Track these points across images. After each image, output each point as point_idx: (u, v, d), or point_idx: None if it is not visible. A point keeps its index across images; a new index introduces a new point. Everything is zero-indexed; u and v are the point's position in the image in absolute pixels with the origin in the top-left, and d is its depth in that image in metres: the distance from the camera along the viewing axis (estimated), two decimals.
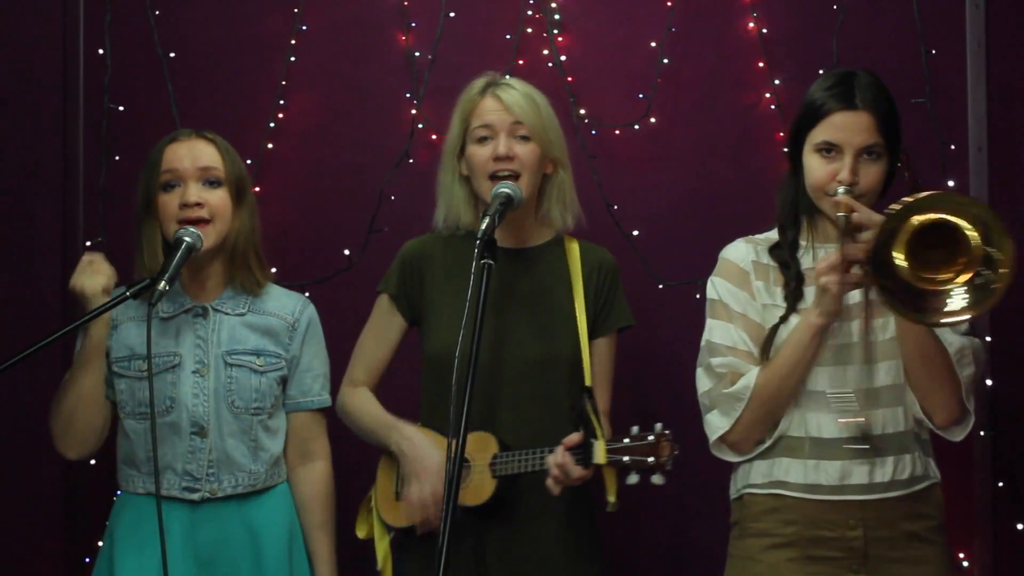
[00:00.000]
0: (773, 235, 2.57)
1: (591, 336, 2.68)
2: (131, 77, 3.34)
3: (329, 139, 3.33)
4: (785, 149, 3.11)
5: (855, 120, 2.41)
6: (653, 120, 3.25)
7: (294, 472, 2.73)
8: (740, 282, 2.51)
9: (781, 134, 3.18)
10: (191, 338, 2.64)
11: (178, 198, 2.60)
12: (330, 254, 3.29)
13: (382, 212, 3.27)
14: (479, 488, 2.57)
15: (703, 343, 2.52)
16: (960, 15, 3.15)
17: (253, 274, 2.69)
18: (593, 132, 3.26)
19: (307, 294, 2.97)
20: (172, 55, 3.33)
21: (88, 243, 3.07)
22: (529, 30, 3.27)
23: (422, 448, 2.58)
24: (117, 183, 3.25)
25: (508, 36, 3.27)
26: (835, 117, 2.41)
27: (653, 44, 3.25)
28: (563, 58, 3.26)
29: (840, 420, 2.40)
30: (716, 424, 2.48)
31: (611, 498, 2.45)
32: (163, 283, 2.42)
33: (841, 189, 2.40)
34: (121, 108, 3.32)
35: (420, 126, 3.28)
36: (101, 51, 3.33)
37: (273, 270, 3.08)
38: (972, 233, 2.22)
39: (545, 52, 3.27)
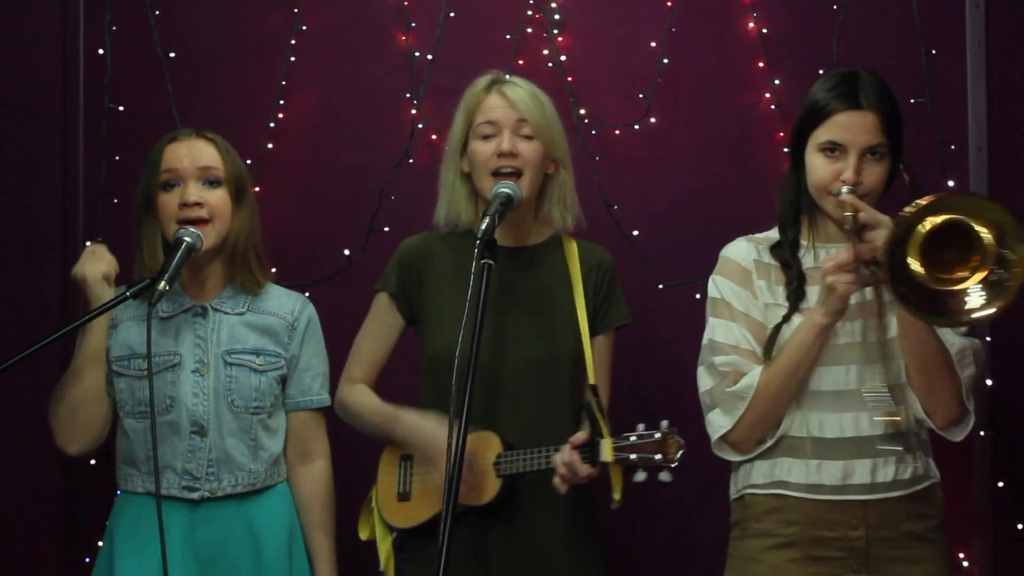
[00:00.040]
0: (773, 234, 2.57)
1: (590, 334, 2.69)
2: (131, 77, 3.34)
3: (329, 139, 3.33)
4: (785, 149, 3.13)
5: (860, 120, 2.41)
6: (653, 120, 3.25)
7: (294, 472, 2.73)
8: (742, 281, 2.51)
9: (781, 134, 3.18)
10: (191, 337, 2.64)
11: (178, 198, 2.60)
12: (330, 254, 3.28)
13: (382, 212, 3.27)
14: (484, 488, 2.57)
15: (705, 342, 2.52)
16: (960, 15, 3.15)
17: (253, 274, 2.69)
18: (593, 132, 3.26)
19: (307, 294, 2.97)
20: (172, 55, 3.33)
21: (88, 243, 3.06)
22: (529, 30, 3.27)
23: (430, 431, 2.56)
24: (117, 183, 3.25)
25: (508, 36, 3.27)
26: (839, 117, 2.41)
27: (653, 44, 3.25)
28: (563, 58, 3.26)
29: (877, 418, 2.36)
30: (718, 423, 2.48)
31: (616, 495, 2.46)
32: (163, 283, 2.43)
33: (845, 189, 2.40)
34: (121, 108, 3.32)
35: (420, 126, 3.28)
36: (101, 51, 3.33)
37: (273, 270, 3.08)
38: (985, 232, 2.23)
39: (545, 52, 3.27)
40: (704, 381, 2.51)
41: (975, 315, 2.26)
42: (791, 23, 3.23)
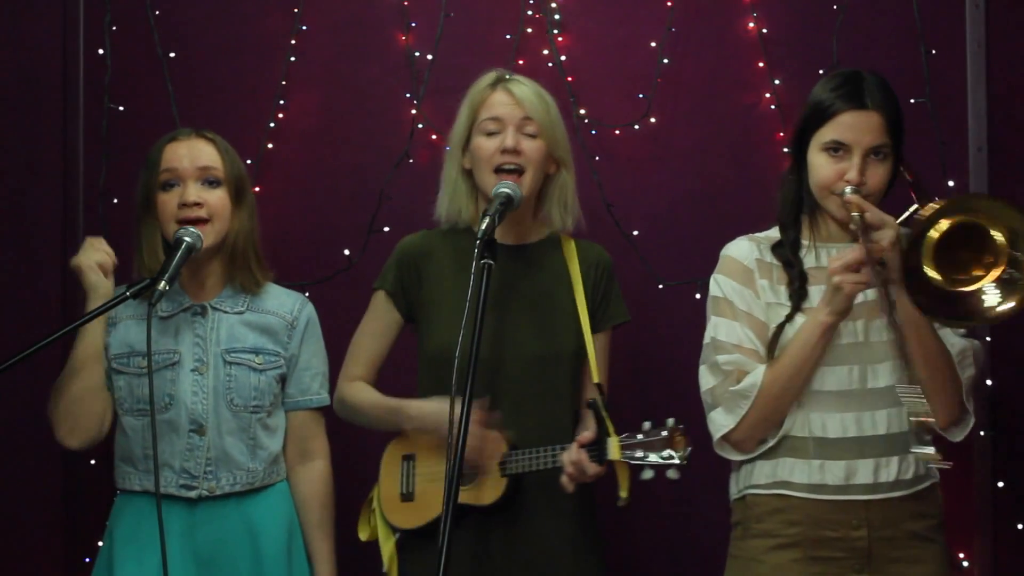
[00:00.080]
0: (774, 234, 2.57)
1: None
2: (131, 77, 3.34)
3: (329, 139, 3.33)
4: (785, 149, 3.13)
5: (865, 120, 2.41)
6: (653, 120, 3.25)
7: (293, 471, 2.74)
8: (744, 280, 2.51)
9: (781, 134, 3.18)
10: (190, 336, 2.64)
11: (177, 198, 2.60)
12: (330, 254, 3.29)
13: (382, 212, 3.27)
14: (490, 487, 2.57)
15: (707, 340, 2.52)
16: (960, 15, 3.15)
17: (252, 274, 2.69)
18: (593, 132, 3.26)
19: (307, 294, 2.97)
20: (172, 55, 3.33)
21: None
22: (529, 30, 3.27)
23: (437, 415, 2.53)
24: (117, 183, 3.26)
25: (508, 36, 3.27)
26: (844, 117, 2.41)
27: (653, 44, 3.25)
28: (563, 58, 3.26)
29: (912, 419, 2.33)
30: (720, 422, 2.48)
31: (623, 493, 2.47)
32: (163, 283, 2.43)
33: (848, 189, 2.40)
34: (121, 108, 3.32)
35: (420, 126, 3.28)
36: (101, 51, 3.33)
37: (273, 270, 3.08)
38: (997, 232, 2.25)
39: (545, 52, 3.27)
40: (706, 380, 2.51)
41: (997, 311, 2.28)
42: (791, 23, 3.23)
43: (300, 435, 2.74)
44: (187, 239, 2.53)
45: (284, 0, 3.32)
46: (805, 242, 2.54)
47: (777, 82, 3.20)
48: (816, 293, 2.48)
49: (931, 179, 2.98)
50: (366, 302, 2.80)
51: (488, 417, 2.54)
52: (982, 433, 3.07)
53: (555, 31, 3.26)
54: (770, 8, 3.22)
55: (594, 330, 2.69)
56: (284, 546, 2.67)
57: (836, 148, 2.43)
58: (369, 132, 3.32)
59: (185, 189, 2.61)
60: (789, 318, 2.46)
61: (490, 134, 2.63)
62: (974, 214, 2.27)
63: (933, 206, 2.26)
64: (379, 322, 2.75)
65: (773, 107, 3.20)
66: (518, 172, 2.60)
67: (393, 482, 2.69)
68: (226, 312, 2.67)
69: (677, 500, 3.08)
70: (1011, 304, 2.26)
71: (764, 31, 3.21)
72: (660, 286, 3.22)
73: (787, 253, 2.52)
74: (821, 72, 3.08)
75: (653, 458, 2.42)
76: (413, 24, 3.30)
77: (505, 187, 2.53)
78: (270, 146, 3.31)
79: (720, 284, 2.53)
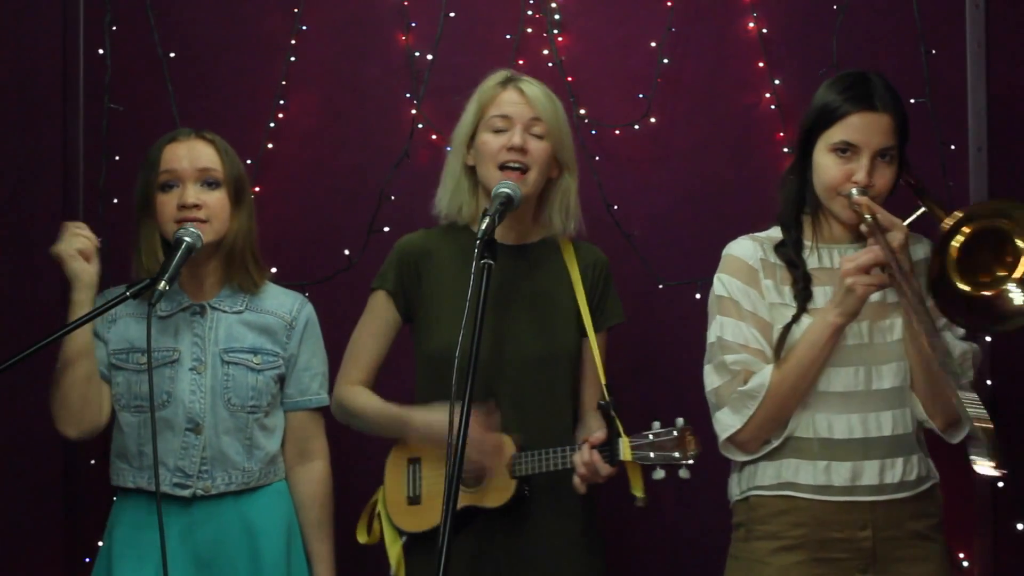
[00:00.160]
0: (775, 233, 2.57)
1: (584, 334, 2.69)
2: (131, 77, 3.34)
3: (329, 139, 3.33)
4: (786, 149, 3.13)
5: (876, 121, 2.41)
6: (653, 120, 3.25)
7: (292, 472, 2.74)
8: (749, 280, 2.51)
9: (781, 134, 3.19)
10: (189, 336, 2.64)
11: (176, 199, 2.60)
12: (330, 254, 3.29)
13: (382, 212, 3.27)
14: (499, 489, 2.57)
15: (712, 340, 2.52)
16: (960, 15, 3.15)
17: (250, 275, 2.69)
18: (593, 132, 3.26)
19: (307, 294, 2.97)
20: (172, 55, 3.33)
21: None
22: (529, 30, 3.27)
23: (444, 425, 2.52)
24: (117, 183, 3.25)
25: (508, 36, 3.27)
26: (853, 118, 2.42)
27: (653, 44, 3.25)
28: (563, 58, 3.26)
29: (976, 423, 2.29)
30: (727, 422, 2.47)
31: (639, 493, 2.49)
32: (163, 283, 2.43)
33: (855, 190, 2.40)
34: (121, 108, 3.32)
35: (420, 126, 3.28)
36: (101, 51, 3.33)
37: (273, 270, 3.08)
38: (1019, 239, 2.30)
39: (545, 52, 3.27)
40: (712, 380, 2.51)
41: None
42: (791, 23, 3.23)
43: (299, 435, 2.74)
44: (187, 239, 2.53)
45: (284, 0, 3.32)
46: (807, 243, 2.54)
47: (777, 82, 3.20)
48: (819, 294, 2.48)
49: (931, 179, 2.98)
50: (366, 302, 2.79)
51: (492, 420, 2.55)
52: None
53: (555, 31, 3.26)
54: (770, 8, 3.22)
55: (594, 330, 2.70)
56: (283, 546, 2.67)
57: (844, 149, 2.43)
58: (369, 132, 3.32)
59: (184, 190, 2.60)
60: (795, 319, 2.46)
61: (497, 131, 2.63)
62: (994, 219, 2.29)
63: (957, 214, 2.30)
64: (378, 322, 2.74)
65: (773, 107, 3.20)
66: (522, 170, 2.60)
67: (399, 485, 2.69)
68: (225, 312, 2.67)
69: (677, 500, 3.08)
70: None
71: (764, 31, 3.21)
72: (660, 286, 3.22)
73: (790, 253, 2.52)
74: (821, 72, 3.08)
75: (664, 458, 2.43)
76: (413, 24, 3.31)
77: (505, 187, 2.53)
78: (270, 146, 3.31)
79: (725, 284, 2.53)
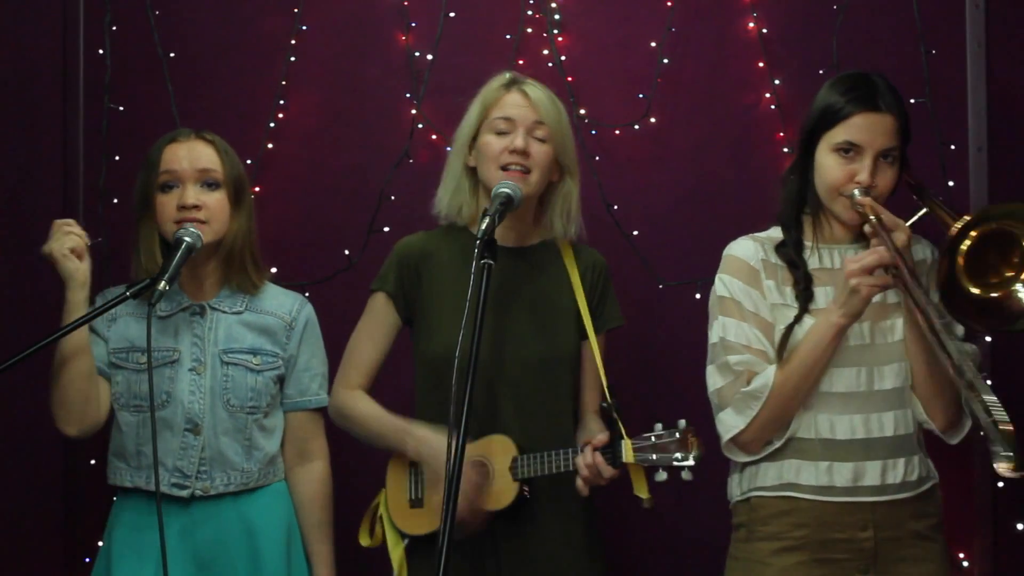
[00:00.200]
0: (775, 233, 2.57)
1: (583, 336, 2.69)
2: (131, 77, 3.34)
3: (329, 139, 3.33)
4: (786, 149, 3.13)
5: (880, 122, 2.41)
6: (653, 120, 3.25)
7: (292, 472, 2.73)
8: (751, 280, 2.51)
9: (781, 134, 3.18)
10: (188, 336, 2.64)
11: (176, 199, 2.60)
12: (330, 254, 3.28)
13: (382, 212, 3.27)
14: (501, 492, 2.57)
15: (715, 340, 2.51)
16: (960, 15, 3.15)
17: (249, 276, 2.69)
18: (593, 132, 3.26)
19: (307, 294, 2.97)
20: (172, 55, 3.33)
21: (89, 243, 3.07)
22: (529, 30, 3.27)
23: (442, 453, 2.52)
24: (117, 183, 3.25)
25: (508, 36, 3.27)
26: (857, 118, 2.42)
27: (653, 44, 3.25)
28: (563, 58, 3.26)
29: (1001, 427, 2.26)
30: (730, 423, 2.47)
31: (644, 494, 2.49)
32: (163, 283, 2.43)
33: (858, 191, 2.40)
34: (121, 108, 3.32)
35: (420, 126, 3.28)
36: (101, 51, 3.33)
37: (273, 270, 3.09)
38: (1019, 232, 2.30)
39: (545, 52, 3.27)
40: (715, 380, 2.50)
41: None
42: (791, 23, 3.23)
43: (299, 436, 2.74)
44: (187, 239, 2.53)
45: (284, 0, 3.32)
46: (808, 243, 2.54)
47: (777, 82, 3.20)
48: (820, 294, 2.48)
49: (931, 179, 2.98)
50: (365, 302, 2.79)
51: (481, 482, 2.55)
52: (982, 434, 3.05)
53: (555, 31, 3.26)
54: (770, 8, 3.22)
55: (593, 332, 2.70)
56: (283, 547, 2.66)
57: (847, 149, 2.43)
58: (369, 132, 3.32)
59: (184, 191, 2.60)
60: (797, 319, 2.46)
61: (500, 133, 2.63)
62: (1000, 221, 2.29)
63: (967, 217, 2.30)
64: (378, 325, 2.73)
65: (773, 107, 3.20)
66: (524, 171, 2.60)
67: (401, 488, 2.69)
68: (224, 312, 2.67)
69: (677, 501, 3.08)
70: None
71: (764, 31, 3.21)
72: (660, 286, 3.22)
73: (791, 254, 2.52)
74: (821, 72, 3.08)
75: (666, 460, 2.43)
76: (413, 24, 3.30)
77: (506, 187, 2.53)
78: (270, 146, 3.30)
79: (727, 284, 2.52)
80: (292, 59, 3.31)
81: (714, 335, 2.52)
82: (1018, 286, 2.32)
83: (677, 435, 2.45)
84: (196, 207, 2.59)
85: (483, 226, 2.37)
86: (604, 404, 2.55)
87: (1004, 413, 2.17)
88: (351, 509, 2.81)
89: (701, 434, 2.49)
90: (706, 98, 3.25)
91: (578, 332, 2.69)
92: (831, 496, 2.44)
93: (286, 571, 2.66)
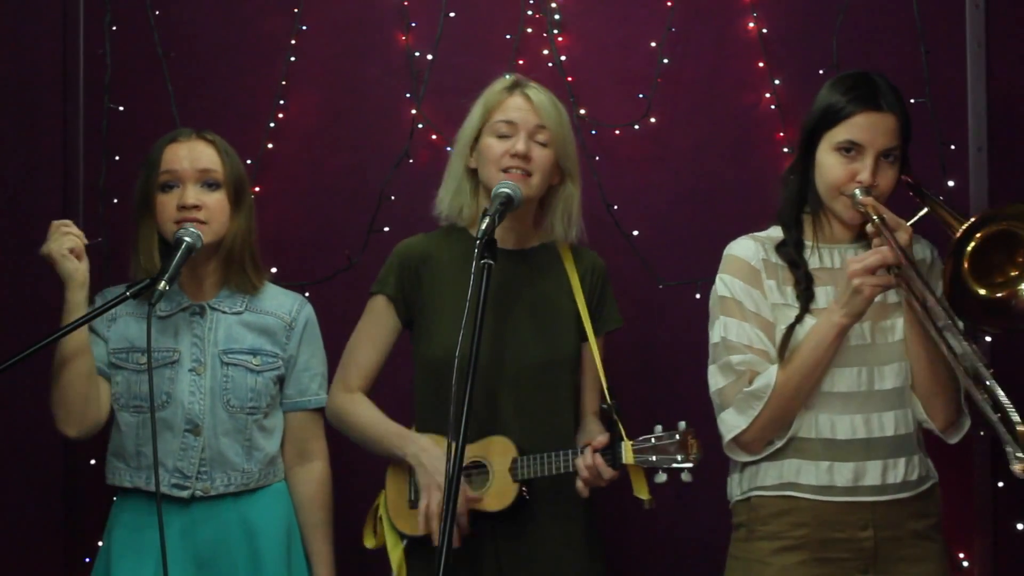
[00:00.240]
0: (775, 233, 2.57)
1: (583, 338, 2.69)
2: (131, 77, 3.34)
3: (329, 139, 3.33)
4: (786, 149, 3.13)
5: (881, 121, 2.42)
6: (653, 120, 3.25)
7: (292, 472, 2.74)
8: (752, 280, 2.51)
9: (781, 134, 3.18)
10: (188, 336, 2.64)
11: (176, 199, 2.60)
12: (330, 254, 3.28)
13: (382, 212, 3.27)
14: (501, 493, 2.57)
15: (716, 340, 2.51)
16: (960, 15, 3.15)
17: (248, 276, 2.69)
18: (593, 132, 3.26)
19: (307, 294, 2.97)
20: (172, 55, 3.33)
21: (88, 243, 3.07)
22: (529, 30, 3.27)
23: (438, 461, 2.52)
24: (117, 183, 3.25)
25: (508, 36, 3.27)
26: (859, 118, 2.42)
27: (653, 44, 3.25)
28: (563, 58, 3.26)
29: (1018, 427, 2.26)
30: (732, 422, 2.47)
31: (644, 495, 2.50)
32: (163, 283, 2.43)
33: (859, 191, 2.40)
34: (121, 108, 3.32)
35: (420, 126, 3.28)
36: (101, 51, 3.33)
37: (273, 270, 3.09)
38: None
39: (545, 52, 3.27)
40: (716, 380, 2.50)
41: None
42: (791, 23, 3.23)
43: (299, 436, 2.74)
44: (187, 239, 2.53)
45: (284, 0, 3.32)
46: (808, 243, 2.54)
47: (777, 82, 3.20)
48: (821, 294, 2.48)
49: (931, 179, 2.98)
50: (365, 302, 2.79)
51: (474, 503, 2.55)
52: (981, 433, 3.07)
53: (555, 31, 3.26)
54: (770, 8, 3.22)
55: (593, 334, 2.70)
56: (283, 547, 2.67)
57: (849, 148, 2.43)
58: (369, 132, 3.32)
59: (184, 191, 2.60)
60: (798, 319, 2.46)
61: (502, 136, 2.63)
62: (1006, 222, 2.29)
63: (973, 219, 2.30)
64: (378, 328, 2.73)
65: (773, 107, 3.20)
66: (525, 175, 2.60)
67: (401, 489, 2.69)
68: (224, 312, 2.67)
69: (677, 501, 3.08)
70: None
71: (764, 31, 3.21)
72: (660, 286, 3.22)
73: (792, 253, 2.52)
74: (821, 72, 3.08)
75: (666, 462, 2.43)
76: (413, 24, 3.30)
77: (506, 187, 2.53)
78: (270, 146, 3.30)
79: (727, 284, 2.52)
80: (292, 59, 3.31)
81: (715, 335, 2.52)
82: (1022, 286, 2.32)
83: (677, 437, 2.45)
84: (196, 207, 2.59)
85: (483, 226, 2.38)
86: (604, 406, 2.55)
87: (1016, 412, 2.18)
88: (351, 509, 2.81)
89: (701, 434, 2.49)
90: (706, 98, 3.25)
91: (578, 334, 2.69)
92: (831, 496, 2.44)
93: (286, 571, 2.66)
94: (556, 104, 2.67)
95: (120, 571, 2.59)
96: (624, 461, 2.47)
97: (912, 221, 2.44)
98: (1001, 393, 2.20)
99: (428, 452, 2.58)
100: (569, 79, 3.25)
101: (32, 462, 3.22)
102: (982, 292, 2.32)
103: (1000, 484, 3.09)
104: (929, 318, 2.32)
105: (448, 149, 2.78)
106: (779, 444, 2.47)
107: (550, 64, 3.25)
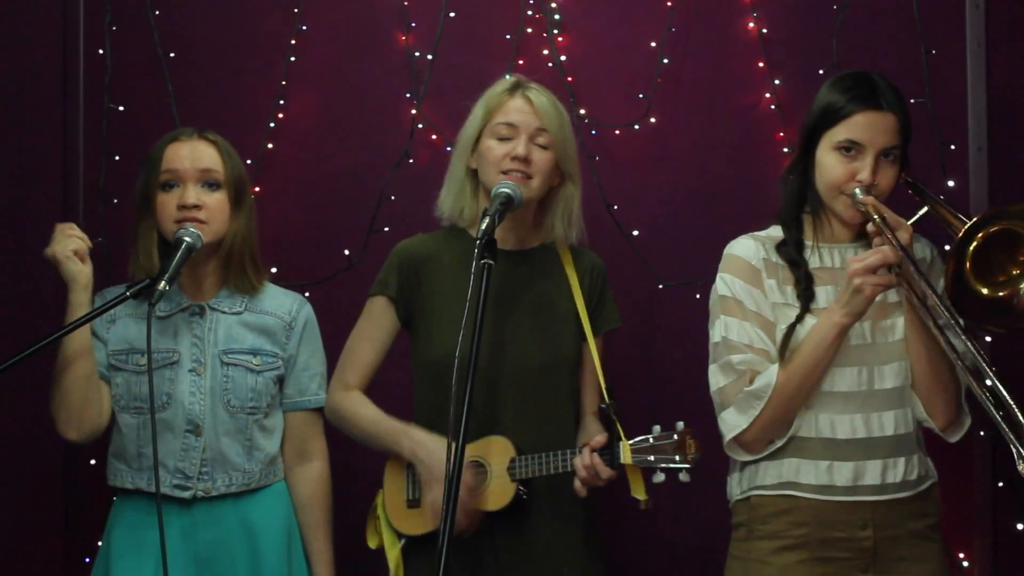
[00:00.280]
0: (775, 232, 2.57)
1: (583, 338, 2.69)
2: (131, 77, 3.34)
3: (329, 139, 3.33)
4: (786, 149, 3.13)
5: (882, 120, 2.42)
6: (653, 120, 3.25)
7: (291, 472, 2.74)
8: (752, 279, 2.51)
9: (781, 134, 3.18)
10: (188, 337, 2.64)
11: (176, 199, 2.60)
12: (330, 254, 3.28)
13: (382, 212, 3.27)
14: (499, 492, 2.57)
15: (717, 339, 2.51)
16: (960, 15, 3.15)
17: (248, 277, 2.69)
18: (593, 132, 3.26)
19: (307, 294, 2.97)
20: (172, 55, 3.33)
21: (90, 246, 3.08)
22: (529, 30, 3.27)
23: (438, 454, 2.53)
24: (117, 183, 3.25)
25: (508, 36, 3.27)
26: (859, 117, 2.42)
27: (653, 44, 3.25)
28: (563, 58, 3.26)
29: None
30: (733, 422, 2.47)
31: (641, 496, 2.49)
32: (163, 283, 2.43)
33: (859, 190, 2.40)
34: (121, 108, 3.32)
35: (420, 126, 3.28)
36: (101, 51, 3.33)
37: (273, 270, 3.09)
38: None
39: (545, 52, 3.27)
40: (717, 380, 2.51)
41: None
42: (791, 23, 3.23)
43: (298, 436, 2.74)
44: (187, 239, 2.53)
45: (284, 0, 3.32)
46: (808, 242, 2.54)
47: (777, 82, 3.20)
48: (821, 293, 2.48)
49: (931, 179, 2.98)
50: (365, 303, 2.79)
51: (474, 484, 2.55)
52: (981, 433, 3.07)
53: (555, 31, 3.26)
54: (770, 8, 3.22)
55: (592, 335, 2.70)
56: (283, 547, 2.67)
57: (849, 148, 2.43)
58: (369, 132, 3.31)
59: (185, 191, 2.60)
60: (799, 319, 2.46)
61: (502, 139, 2.63)
62: (1008, 221, 2.29)
63: (976, 218, 2.30)
64: (377, 328, 2.73)
65: (773, 107, 3.20)
66: (525, 177, 2.60)
67: (399, 488, 2.69)
68: (224, 313, 2.67)
69: (677, 500, 3.08)
70: None
71: (764, 31, 3.21)
72: (660, 286, 3.22)
73: (792, 253, 2.52)
74: (821, 72, 3.08)
75: (664, 462, 2.43)
76: (413, 24, 3.30)
77: (506, 187, 2.53)
78: (270, 146, 3.30)
79: (728, 283, 2.52)
80: (292, 59, 3.31)
81: (716, 335, 2.52)
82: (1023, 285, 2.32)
83: (675, 437, 2.45)
84: (196, 207, 2.59)
85: (483, 226, 2.38)
86: (602, 405, 2.56)
87: (1020, 413, 2.16)
88: (351, 509, 2.81)
89: (701, 434, 2.49)
90: (706, 98, 3.25)
91: (578, 335, 2.69)
92: (831, 495, 2.44)
93: (286, 572, 2.66)
94: (557, 106, 2.67)
95: (120, 571, 2.59)
96: (622, 461, 2.47)
97: (912, 220, 2.44)
98: (1004, 391, 2.19)
99: (425, 447, 2.58)
100: (569, 79, 3.25)
101: (32, 462, 3.22)
102: (984, 291, 2.32)
103: (1000, 484, 3.09)
104: (930, 316, 2.32)
105: (448, 149, 2.78)
106: (780, 443, 2.48)
107: (550, 64, 3.25)
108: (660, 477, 2.46)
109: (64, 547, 3.25)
